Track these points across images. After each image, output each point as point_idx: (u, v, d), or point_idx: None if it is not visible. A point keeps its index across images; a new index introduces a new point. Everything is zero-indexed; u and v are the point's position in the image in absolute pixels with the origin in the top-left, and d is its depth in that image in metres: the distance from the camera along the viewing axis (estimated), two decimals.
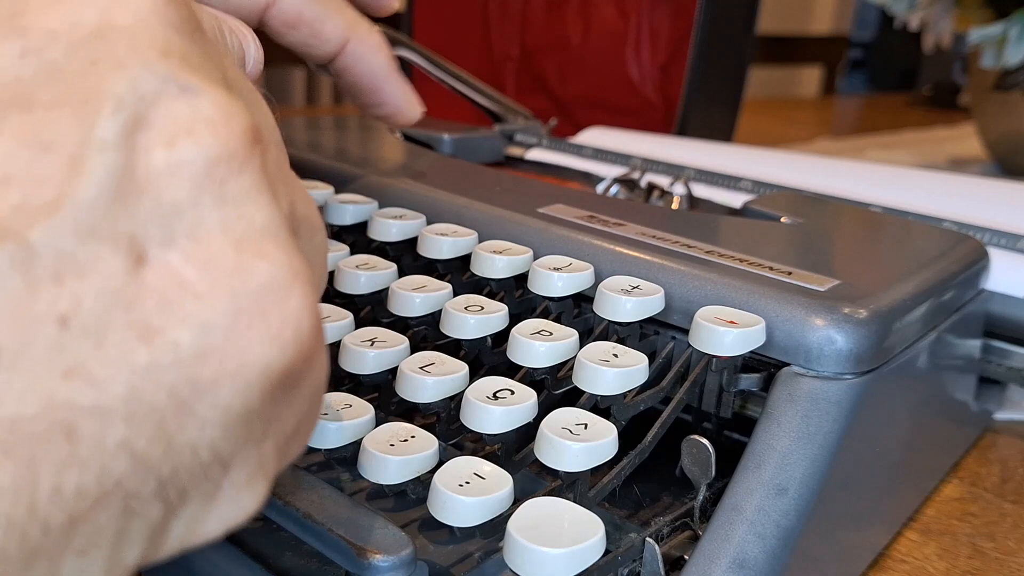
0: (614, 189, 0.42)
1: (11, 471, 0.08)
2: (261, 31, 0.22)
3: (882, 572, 0.24)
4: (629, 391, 0.20)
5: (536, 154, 0.47)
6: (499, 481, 0.17)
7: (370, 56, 0.24)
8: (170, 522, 0.10)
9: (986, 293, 0.30)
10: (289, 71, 1.57)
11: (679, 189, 0.39)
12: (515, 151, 0.48)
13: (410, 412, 0.22)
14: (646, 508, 0.23)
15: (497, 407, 0.18)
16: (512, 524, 0.15)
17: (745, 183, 0.40)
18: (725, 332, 0.20)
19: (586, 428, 0.18)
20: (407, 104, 0.25)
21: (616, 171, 0.43)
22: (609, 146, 0.46)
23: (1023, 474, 0.30)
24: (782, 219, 0.31)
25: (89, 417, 0.09)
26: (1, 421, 0.08)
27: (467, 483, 0.16)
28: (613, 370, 0.19)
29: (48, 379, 0.09)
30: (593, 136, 0.51)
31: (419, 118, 0.26)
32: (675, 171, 0.41)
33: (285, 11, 0.22)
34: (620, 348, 0.20)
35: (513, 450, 0.20)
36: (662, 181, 0.41)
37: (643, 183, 0.41)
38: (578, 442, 0.17)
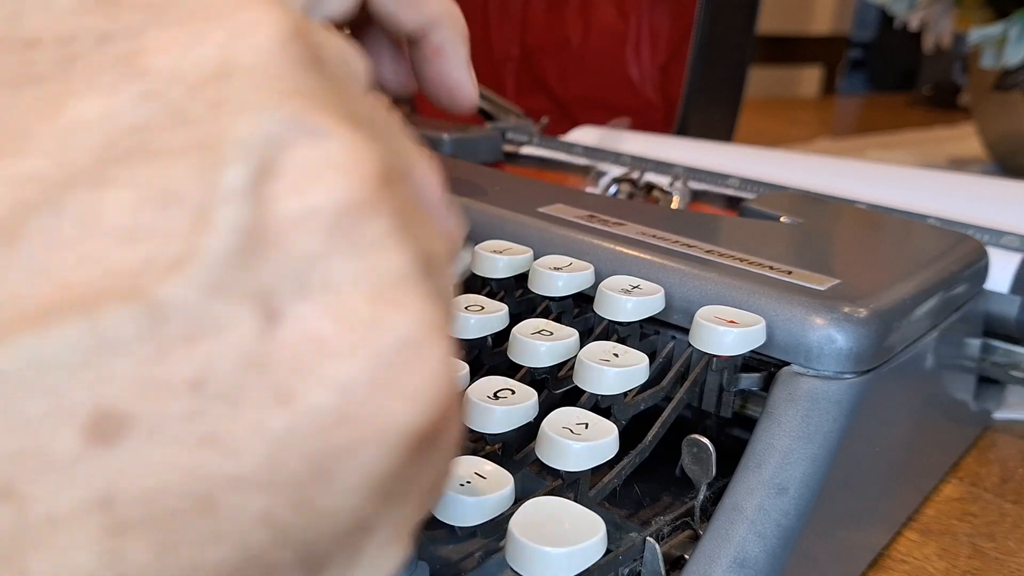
0: (613, 188, 0.42)
1: (150, 548, 0.08)
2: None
3: (882, 572, 0.24)
4: (630, 390, 0.20)
5: (528, 151, 0.47)
6: (500, 481, 0.17)
7: (457, 42, 0.23)
8: None
9: (985, 292, 0.30)
10: None
11: (679, 188, 0.39)
12: (507, 149, 0.48)
13: None
14: (647, 508, 0.23)
15: (498, 407, 0.18)
16: (513, 523, 0.15)
17: (733, 180, 0.40)
18: (725, 332, 0.20)
19: (587, 428, 0.18)
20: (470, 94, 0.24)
21: (609, 169, 0.43)
22: (599, 144, 0.46)
23: (1023, 474, 0.30)
24: (781, 219, 0.31)
25: (227, 488, 0.08)
26: (139, 495, 0.08)
27: (468, 483, 0.17)
28: (614, 370, 0.19)
29: (184, 449, 0.08)
30: (584, 134, 0.51)
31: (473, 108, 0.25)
32: (665, 169, 0.41)
33: None
34: (620, 348, 0.21)
35: (514, 449, 0.20)
36: (662, 180, 0.41)
37: (642, 182, 0.41)
38: (579, 442, 0.17)
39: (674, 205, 0.39)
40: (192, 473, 0.08)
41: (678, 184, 0.40)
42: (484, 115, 0.49)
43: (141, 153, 0.09)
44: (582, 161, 0.45)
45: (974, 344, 0.30)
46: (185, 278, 0.08)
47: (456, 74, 0.24)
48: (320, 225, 0.09)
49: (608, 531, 0.21)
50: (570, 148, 0.46)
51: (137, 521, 0.08)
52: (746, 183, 0.40)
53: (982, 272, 0.29)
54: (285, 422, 0.09)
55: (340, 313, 0.09)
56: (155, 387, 0.08)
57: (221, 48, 0.10)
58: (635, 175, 0.42)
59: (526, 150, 0.47)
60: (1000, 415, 0.34)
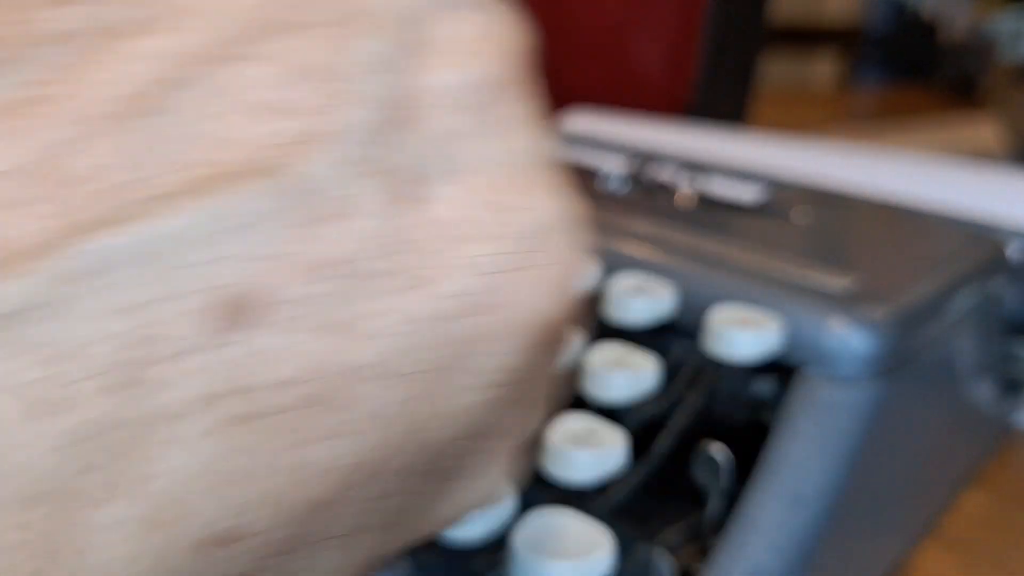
0: (619, 184, 0.41)
1: (275, 444, 0.07)
2: None
3: None
4: (638, 397, 0.20)
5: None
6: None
7: None
8: (429, 502, 0.09)
9: (1005, 294, 0.29)
10: None
11: (687, 184, 0.38)
12: None
13: None
14: (659, 519, 0.22)
15: None
16: (516, 537, 0.15)
17: (744, 176, 0.39)
18: (738, 335, 0.19)
19: (594, 435, 0.17)
20: None
21: (614, 162, 0.42)
22: (601, 134, 0.43)
23: None
24: (796, 217, 0.30)
25: (359, 377, 0.08)
26: (267, 385, 0.07)
27: None
28: (621, 375, 0.19)
29: (315, 335, 0.07)
30: (580, 121, 0.47)
31: None
32: (674, 163, 0.40)
33: None
34: (627, 351, 0.20)
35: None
36: (670, 175, 0.40)
37: (648, 176, 0.40)
38: (585, 450, 0.17)
39: (684, 199, 0.38)
40: (323, 361, 0.08)
41: (686, 182, 0.39)
42: None
43: (278, 28, 0.08)
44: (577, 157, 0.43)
45: (996, 347, 0.29)
46: (328, 153, 0.08)
47: None
48: (463, 101, 0.09)
49: (616, 544, 0.20)
50: (570, 140, 0.44)
51: (263, 414, 0.07)
52: (758, 177, 0.39)
53: (1003, 272, 0.28)
54: (420, 306, 0.08)
55: (481, 195, 0.09)
56: (288, 268, 0.07)
57: None
58: (641, 169, 0.41)
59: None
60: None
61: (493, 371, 0.09)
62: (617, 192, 0.39)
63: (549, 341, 0.09)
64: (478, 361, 0.09)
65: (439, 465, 0.09)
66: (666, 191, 0.39)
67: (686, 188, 0.38)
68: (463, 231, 0.09)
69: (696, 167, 0.40)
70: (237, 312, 0.07)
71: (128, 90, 0.08)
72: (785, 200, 0.32)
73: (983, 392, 0.29)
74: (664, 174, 0.39)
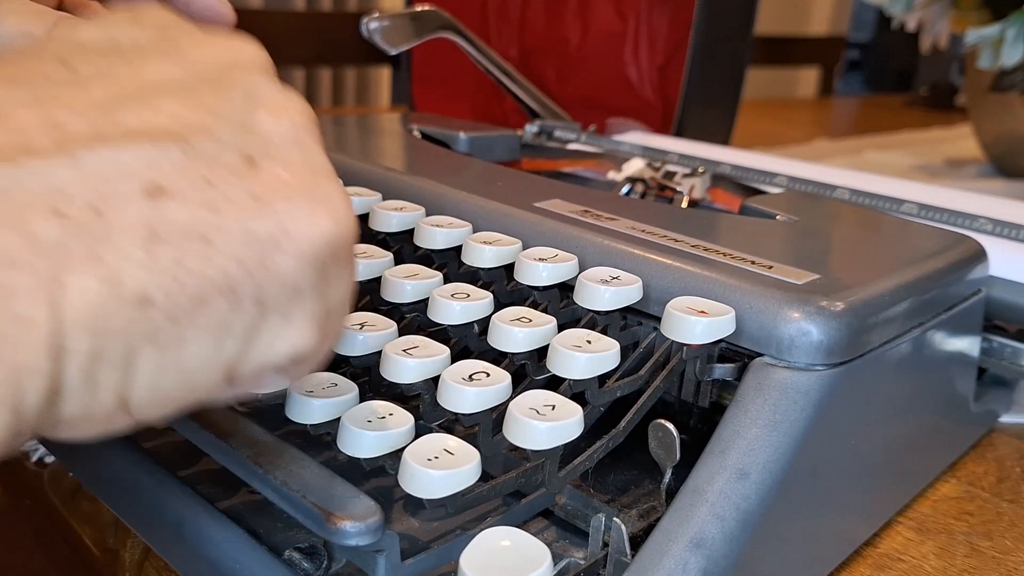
0: (626, 188, 0.42)
1: (169, 258, 0.13)
2: None
3: (879, 570, 0.24)
4: (607, 378, 0.21)
5: (576, 148, 0.49)
6: (466, 456, 0.17)
7: None
8: (260, 327, 0.14)
9: (984, 293, 0.29)
10: (290, 72, 1.59)
11: (699, 191, 0.39)
12: (552, 145, 0.50)
13: (403, 397, 0.22)
14: (625, 492, 0.23)
15: (471, 388, 0.19)
16: (464, 560, 0.16)
17: (781, 179, 0.40)
18: (695, 321, 0.20)
19: (553, 409, 0.18)
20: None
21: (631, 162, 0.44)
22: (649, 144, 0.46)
23: (1019, 473, 0.30)
24: (777, 217, 0.31)
25: (218, 236, 0.13)
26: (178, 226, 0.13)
27: (436, 458, 0.17)
28: (584, 355, 0.20)
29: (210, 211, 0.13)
30: (629, 137, 0.52)
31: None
32: (693, 164, 0.42)
33: None
34: (594, 335, 0.21)
35: (491, 430, 0.20)
36: (682, 181, 0.41)
37: (662, 171, 0.41)
38: (543, 422, 0.18)
39: (683, 204, 0.39)
40: (199, 220, 0.13)
41: (697, 180, 0.40)
42: (529, 112, 0.53)
43: (181, 88, 0.15)
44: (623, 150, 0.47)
45: (970, 344, 0.29)
46: (211, 136, 0.14)
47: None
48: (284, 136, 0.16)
49: (579, 511, 0.21)
50: (618, 145, 0.47)
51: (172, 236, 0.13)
52: (793, 180, 0.40)
53: (981, 272, 0.29)
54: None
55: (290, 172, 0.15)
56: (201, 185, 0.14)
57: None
58: (648, 175, 0.42)
59: (572, 146, 0.50)
60: (1007, 418, 0.33)
61: (298, 258, 0.14)
62: (629, 195, 0.41)
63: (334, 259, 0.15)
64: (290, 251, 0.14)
65: (270, 303, 0.14)
66: (672, 195, 0.40)
67: (698, 183, 0.39)
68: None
69: (714, 168, 0.41)
70: (160, 192, 0.13)
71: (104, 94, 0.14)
72: (771, 203, 0.33)
73: (958, 387, 0.29)
74: (679, 171, 0.40)
